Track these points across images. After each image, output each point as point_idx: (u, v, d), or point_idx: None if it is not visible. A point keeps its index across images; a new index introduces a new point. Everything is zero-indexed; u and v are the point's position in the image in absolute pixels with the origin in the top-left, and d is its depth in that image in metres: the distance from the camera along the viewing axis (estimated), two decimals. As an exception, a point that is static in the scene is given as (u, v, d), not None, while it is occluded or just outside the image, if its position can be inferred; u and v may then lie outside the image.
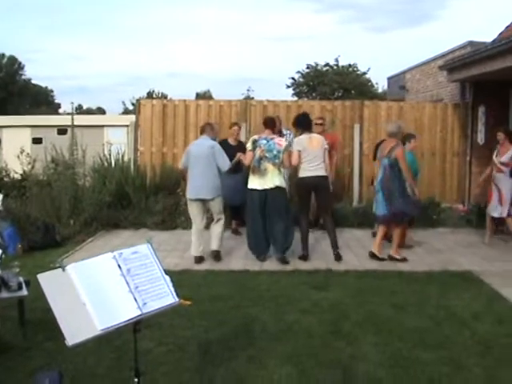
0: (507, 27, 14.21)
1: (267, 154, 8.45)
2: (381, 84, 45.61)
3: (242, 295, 6.93)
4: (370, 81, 46.18)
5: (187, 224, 10.84)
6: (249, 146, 8.67)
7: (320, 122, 10.54)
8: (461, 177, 12.82)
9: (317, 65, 44.68)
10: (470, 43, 12.58)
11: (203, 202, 8.61)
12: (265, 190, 8.46)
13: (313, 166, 8.67)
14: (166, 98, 50.08)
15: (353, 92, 42.42)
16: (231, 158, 8.78)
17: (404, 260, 8.69)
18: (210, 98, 50.78)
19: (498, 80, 11.52)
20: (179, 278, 6.52)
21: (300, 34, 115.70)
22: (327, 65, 44.48)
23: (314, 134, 9.04)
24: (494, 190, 9.74)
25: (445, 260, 8.82)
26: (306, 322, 6.01)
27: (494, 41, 11.66)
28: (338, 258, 8.74)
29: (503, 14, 60.64)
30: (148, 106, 12.99)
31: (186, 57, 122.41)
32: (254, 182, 8.55)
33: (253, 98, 32.58)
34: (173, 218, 11.20)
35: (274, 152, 8.46)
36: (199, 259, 8.61)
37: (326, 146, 8.94)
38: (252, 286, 7.33)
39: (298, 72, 44.89)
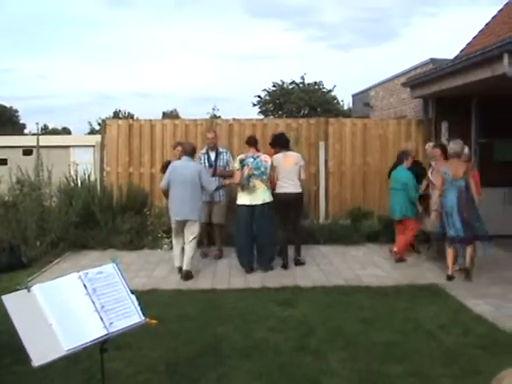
0: (468, 44, 14.49)
1: (255, 172, 8.93)
2: (346, 101, 46.11)
3: (210, 314, 6.93)
4: (335, 98, 46.70)
5: (154, 244, 10.87)
6: (236, 165, 9.07)
7: None
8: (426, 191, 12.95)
9: (283, 83, 45.09)
10: (432, 60, 12.78)
11: (185, 222, 8.82)
12: (253, 206, 8.91)
13: (287, 183, 9.24)
14: (132, 117, 49.94)
15: (319, 110, 42.79)
16: None
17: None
18: (177, 117, 50.73)
19: (459, 96, 11.73)
20: (147, 298, 6.52)
21: (266, 53, 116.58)
22: (293, 83, 44.90)
23: (291, 152, 9.64)
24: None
25: (412, 274, 8.91)
26: (274, 339, 6.02)
27: (455, 58, 11.87)
28: (298, 263, 9.41)
29: (465, 32, 62.11)
30: (114, 125, 12.93)
31: (153, 76, 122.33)
32: (244, 199, 9.01)
33: (219, 116, 32.63)
34: (140, 237, 11.15)
35: (262, 169, 8.97)
36: (181, 269, 8.86)
37: (302, 163, 9.48)
38: (220, 305, 7.32)
39: (265, 90, 45.24)
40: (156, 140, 12.70)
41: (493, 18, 14.53)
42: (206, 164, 10.03)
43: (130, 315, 3.65)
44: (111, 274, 3.73)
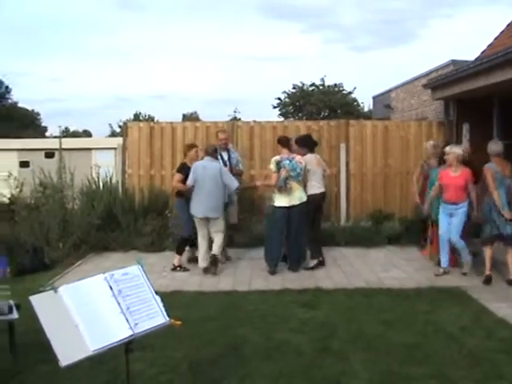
0: (489, 45, 14.41)
1: (292, 173, 9.05)
2: (366, 103, 45.86)
3: (232, 315, 6.96)
4: (355, 100, 46.47)
5: (175, 245, 10.89)
6: (273, 167, 9.15)
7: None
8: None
9: (303, 85, 44.99)
10: (453, 62, 12.75)
11: (208, 219, 9.11)
12: (291, 207, 9.07)
13: (319, 183, 9.54)
14: (152, 120, 50.04)
15: (339, 111, 42.66)
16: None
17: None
18: (197, 119, 50.79)
19: (480, 97, 11.67)
20: (170, 299, 6.54)
21: (286, 55, 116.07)
22: (313, 85, 44.77)
23: (316, 154, 9.84)
24: None
25: (433, 276, 8.87)
26: (296, 341, 6.04)
27: (476, 59, 11.82)
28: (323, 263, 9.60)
29: (485, 32, 61.61)
30: (135, 128, 13.01)
31: (173, 78, 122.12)
32: (282, 200, 9.10)
33: (240, 119, 32.65)
34: (161, 239, 11.21)
35: (298, 170, 9.11)
36: (207, 270, 9.16)
37: (323, 163, 9.80)
38: (241, 306, 7.35)
39: (284, 92, 45.20)
40: (177, 142, 12.75)
41: (514, 18, 14.44)
42: (221, 164, 10.07)
43: (155, 316, 3.70)
44: (136, 276, 3.77)
